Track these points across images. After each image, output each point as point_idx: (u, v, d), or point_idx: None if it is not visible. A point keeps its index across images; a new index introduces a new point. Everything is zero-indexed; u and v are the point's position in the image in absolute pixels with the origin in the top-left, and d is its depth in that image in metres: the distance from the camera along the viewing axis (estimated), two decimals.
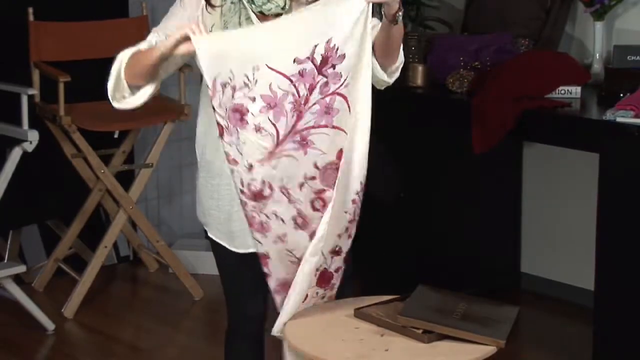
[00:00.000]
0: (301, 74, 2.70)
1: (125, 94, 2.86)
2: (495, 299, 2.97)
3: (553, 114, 3.95)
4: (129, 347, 4.47)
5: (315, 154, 2.76)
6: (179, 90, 4.89)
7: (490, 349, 2.65)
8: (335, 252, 2.88)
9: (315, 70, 2.70)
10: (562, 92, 4.07)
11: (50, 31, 4.86)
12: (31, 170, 4.72)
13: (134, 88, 2.86)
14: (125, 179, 4.98)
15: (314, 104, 2.72)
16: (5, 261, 4.74)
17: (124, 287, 5.20)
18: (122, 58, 2.83)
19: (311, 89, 2.71)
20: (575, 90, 4.07)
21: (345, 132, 2.76)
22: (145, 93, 2.85)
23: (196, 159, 3.08)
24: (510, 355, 3.62)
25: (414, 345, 2.68)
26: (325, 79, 2.71)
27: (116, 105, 2.89)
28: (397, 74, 2.99)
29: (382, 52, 2.84)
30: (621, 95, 3.90)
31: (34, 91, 4.68)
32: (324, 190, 2.81)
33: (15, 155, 4.44)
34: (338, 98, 2.73)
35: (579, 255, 4.66)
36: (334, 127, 2.75)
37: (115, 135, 4.85)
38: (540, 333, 4.50)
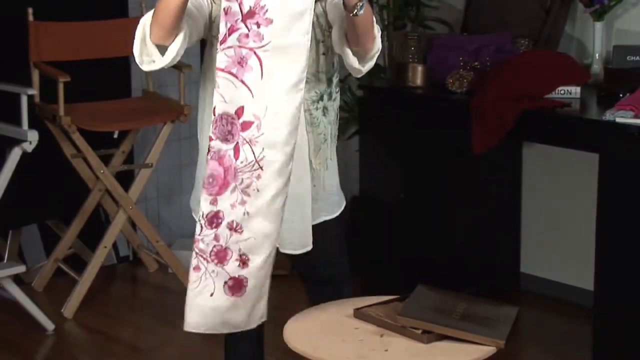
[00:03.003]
0: (226, 11, 2.68)
1: (154, 58, 2.82)
2: (495, 299, 2.97)
3: (553, 114, 3.95)
4: (128, 347, 4.47)
5: (217, 98, 2.72)
6: (179, 90, 4.89)
7: (490, 349, 2.65)
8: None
9: (240, 16, 2.67)
10: (562, 92, 4.07)
11: (50, 31, 4.86)
12: (31, 170, 4.72)
13: (162, 49, 2.81)
14: (125, 179, 4.98)
15: (230, 47, 2.69)
16: (5, 261, 4.73)
17: (123, 287, 5.20)
18: (145, 21, 2.80)
19: (231, 31, 2.68)
20: (575, 91, 4.07)
21: (251, 92, 2.70)
22: (173, 51, 2.80)
23: (196, 158, 3.09)
24: (510, 355, 3.62)
25: (414, 345, 2.68)
26: (247, 31, 2.68)
27: (145, 68, 2.84)
28: (372, 62, 2.93)
29: (350, 38, 2.82)
30: (621, 95, 3.90)
31: (34, 91, 4.67)
32: (211, 139, 2.75)
33: (15, 155, 4.44)
34: (254, 57, 2.69)
35: (579, 255, 4.66)
36: (242, 81, 2.70)
37: (115, 136, 4.85)
38: (540, 333, 4.50)
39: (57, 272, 5.02)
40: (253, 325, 2.83)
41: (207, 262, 2.74)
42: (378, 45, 2.90)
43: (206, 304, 2.76)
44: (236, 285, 2.77)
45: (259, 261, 2.77)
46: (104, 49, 5.03)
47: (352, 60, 2.89)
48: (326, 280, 3.08)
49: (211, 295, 2.76)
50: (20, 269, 4.48)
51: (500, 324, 2.73)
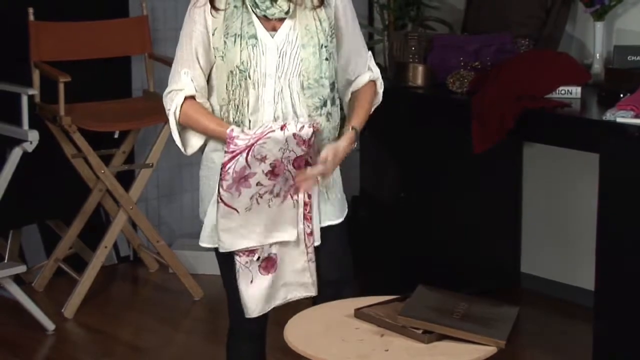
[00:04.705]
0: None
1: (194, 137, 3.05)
2: (495, 299, 2.97)
3: (553, 114, 3.95)
4: (129, 347, 4.47)
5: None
6: None
7: (491, 349, 2.65)
8: None
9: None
10: (562, 92, 4.07)
11: (50, 31, 4.86)
12: (31, 170, 4.72)
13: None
14: (126, 179, 4.98)
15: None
16: (6, 261, 4.73)
17: (124, 287, 5.20)
18: (173, 111, 2.98)
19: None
20: (576, 91, 4.07)
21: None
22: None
23: (196, 158, 3.10)
24: (510, 355, 3.63)
25: (414, 345, 2.68)
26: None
27: (190, 151, 3.09)
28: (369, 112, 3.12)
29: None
30: (621, 95, 3.90)
31: (34, 91, 4.67)
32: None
33: (15, 155, 4.44)
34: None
35: (579, 255, 4.66)
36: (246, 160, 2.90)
37: (116, 136, 4.85)
38: (540, 333, 4.50)
39: (57, 272, 5.02)
40: (298, 297, 3.05)
41: (239, 256, 2.96)
42: (379, 100, 3.11)
43: (251, 290, 2.98)
44: (269, 264, 2.99)
45: (282, 238, 2.97)
46: (104, 49, 5.03)
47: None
48: (330, 281, 3.08)
49: (251, 282, 2.98)
50: (21, 269, 4.48)
51: (501, 324, 2.73)
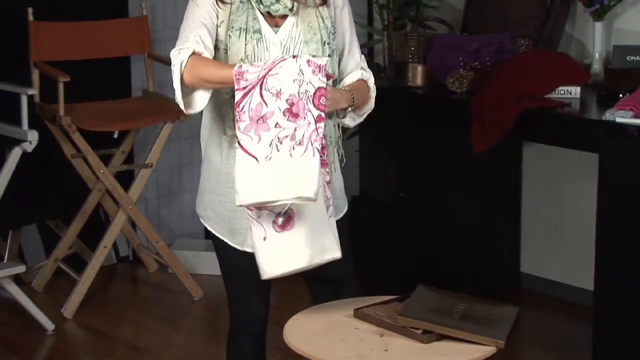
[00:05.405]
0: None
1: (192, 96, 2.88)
2: (495, 299, 2.97)
3: (553, 114, 3.95)
4: (128, 347, 4.47)
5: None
6: None
7: (490, 349, 2.65)
8: None
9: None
10: (562, 92, 4.07)
11: (50, 31, 4.87)
12: (31, 170, 4.72)
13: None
14: (125, 179, 4.98)
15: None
16: (5, 261, 4.73)
17: (123, 287, 5.20)
18: (179, 66, 2.83)
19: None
20: (575, 91, 4.07)
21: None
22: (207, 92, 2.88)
23: (196, 157, 3.10)
24: (510, 355, 3.62)
25: (414, 345, 2.68)
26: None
27: (190, 111, 2.90)
28: (361, 119, 3.08)
29: None
30: (621, 95, 3.90)
31: (34, 91, 4.68)
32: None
33: (15, 155, 4.45)
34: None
35: (579, 255, 4.66)
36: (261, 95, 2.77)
37: (115, 135, 4.85)
38: (540, 333, 4.50)
39: (57, 272, 5.02)
40: (323, 260, 2.87)
41: (251, 210, 2.82)
42: (370, 106, 3.06)
43: (265, 248, 2.84)
44: (285, 221, 2.84)
45: (307, 194, 2.76)
46: (104, 49, 5.03)
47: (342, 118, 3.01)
48: (330, 280, 3.08)
49: (264, 239, 2.84)
50: (20, 268, 4.48)
51: (501, 324, 2.73)
